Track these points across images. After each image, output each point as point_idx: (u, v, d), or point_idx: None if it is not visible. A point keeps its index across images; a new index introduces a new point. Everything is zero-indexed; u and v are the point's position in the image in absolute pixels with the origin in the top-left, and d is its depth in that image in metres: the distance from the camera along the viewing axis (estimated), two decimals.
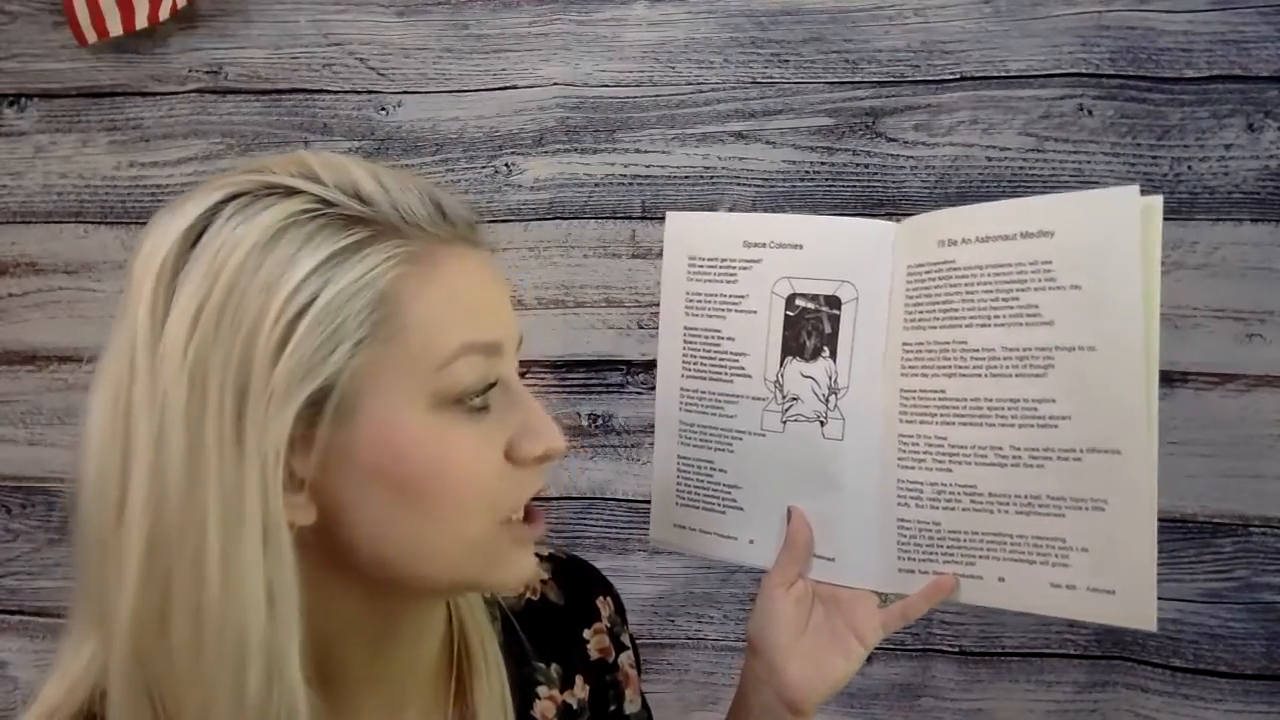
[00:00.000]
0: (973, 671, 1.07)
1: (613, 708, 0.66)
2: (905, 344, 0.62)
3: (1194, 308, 1.02)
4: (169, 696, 0.43)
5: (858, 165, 1.05)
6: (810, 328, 0.66)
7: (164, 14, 1.08)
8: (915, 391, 0.62)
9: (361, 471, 0.45)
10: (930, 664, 1.08)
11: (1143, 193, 0.55)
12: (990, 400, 0.59)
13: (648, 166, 1.08)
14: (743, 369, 0.68)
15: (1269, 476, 1.02)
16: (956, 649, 1.07)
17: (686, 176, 1.08)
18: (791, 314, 0.66)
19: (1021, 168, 1.03)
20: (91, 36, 1.10)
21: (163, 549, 0.42)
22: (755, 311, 0.67)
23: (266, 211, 0.44)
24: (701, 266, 0.69)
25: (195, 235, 0.44)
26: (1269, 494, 1.02)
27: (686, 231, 0.70)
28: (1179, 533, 1.02)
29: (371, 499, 0.45)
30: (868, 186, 1.05)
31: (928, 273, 0.61)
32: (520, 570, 0.51)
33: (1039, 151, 1.03)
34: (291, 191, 0.45)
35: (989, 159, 1.04)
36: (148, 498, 0.42)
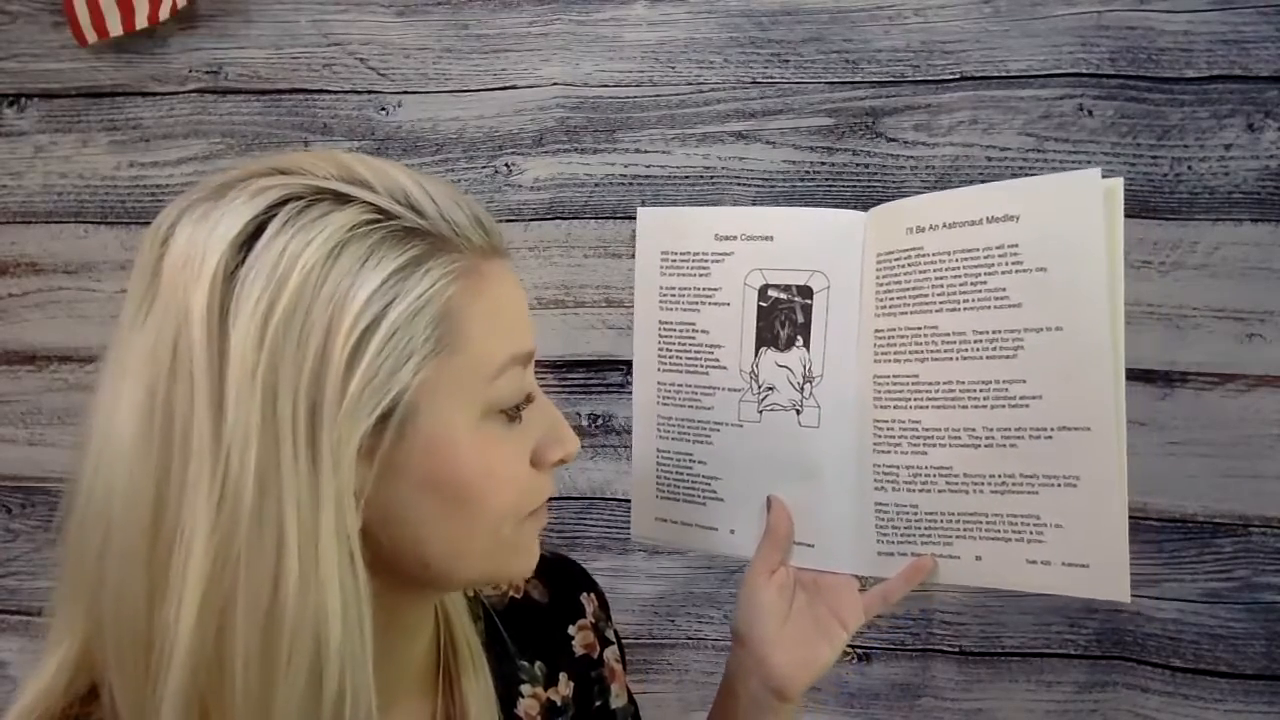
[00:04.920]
0: (973, 671, 1.07)
1: (598, 703, 0.67)
2: (877, 330, 0.63)
3: (1194, 308, 1.02)
4: (223, 712, 0.42)
5: (858, 165, 1.05)
6: (783, 318, 0.66)
7: (164, 14, 1.08)
8: (889, 377, 0.63)
9: (415, 480, 0.46)
10: (930, 664, 1.08)
11: (1105, 176, 0.56)
12: (962, 383, 0.60)
13: (648, 166, 1.08)
14: (718, 361, 0.68)
15: (1269, 476, 1.02)
16: (956, 649, 1.07)
17: (686, 176, 1.08)
18: (764, 305, 0.67)
19: (1021, 168, 1.03)
20: (91, 36, 1.10)
21: (231, 565, 0.41)
22: (728, 303, 0.68)
23: (324, 220, 0.43)
24: (674, 261, 0.70)
25: (247, 239, 0.43)
26: (1269, 494, 1.02)
27: (658, 226, 0.71)
28: (1179, 533, 1.02)
29: (421, 506, 0.46)
30: (868, 186, 1.05)
31: (897, 260, 0.62)
32: (532, 559, 0.53)
33: (1039, 151, 1.03)
34: (344, 199, 0.45)
35: (989, 159, 1.04)
36: (216, 513, 0.41)
